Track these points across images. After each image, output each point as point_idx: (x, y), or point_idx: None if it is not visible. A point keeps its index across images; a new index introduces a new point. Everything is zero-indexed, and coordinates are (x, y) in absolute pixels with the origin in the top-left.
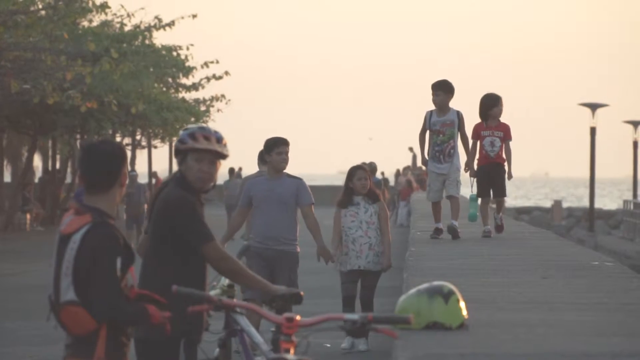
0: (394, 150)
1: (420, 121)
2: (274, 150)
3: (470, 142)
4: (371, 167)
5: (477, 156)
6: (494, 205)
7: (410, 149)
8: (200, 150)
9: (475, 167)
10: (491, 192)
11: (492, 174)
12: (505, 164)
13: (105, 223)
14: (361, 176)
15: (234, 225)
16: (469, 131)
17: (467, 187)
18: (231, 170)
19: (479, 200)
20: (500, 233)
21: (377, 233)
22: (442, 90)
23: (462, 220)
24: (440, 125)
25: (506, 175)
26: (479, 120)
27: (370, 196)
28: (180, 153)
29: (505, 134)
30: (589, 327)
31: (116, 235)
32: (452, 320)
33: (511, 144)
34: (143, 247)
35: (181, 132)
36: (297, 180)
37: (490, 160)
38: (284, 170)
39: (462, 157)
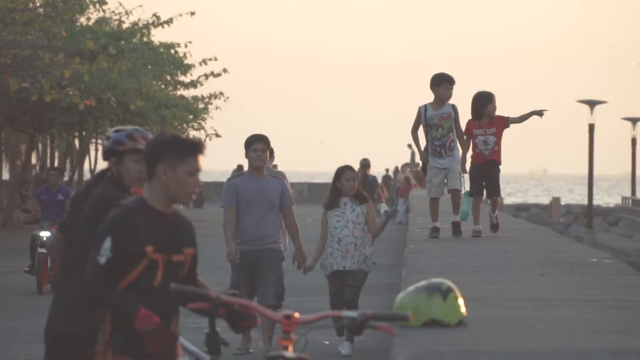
0: (392, 148)
1: (411, 118)
2: (250, 148)
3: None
4: (365, 163)
5: (470, 153)
6: (489, 201)
7: (409, 146)
8: (141, 151)
9: (469, 164)
10: (484, 191)
11: (487, 172)
12: (500, 162)
13: (120, 205)
14: (349, 177)
15: (229, 227)
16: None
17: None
18: (240, 167)
19: (472, 198)
20: (495, 232)
21: (364, 234)
22: (453, 84)
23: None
24: (438, 119)
25: (499, 177)
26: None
27: (357, 197)
28: (116, 154)
29: (498, 127)
30: (587, 324)
31: (122, 215)
32: (450, 318)
33: (508, 129)
34: (56, 245)
35: (112, 133)
36: (280, 181)
37: (484, 158)
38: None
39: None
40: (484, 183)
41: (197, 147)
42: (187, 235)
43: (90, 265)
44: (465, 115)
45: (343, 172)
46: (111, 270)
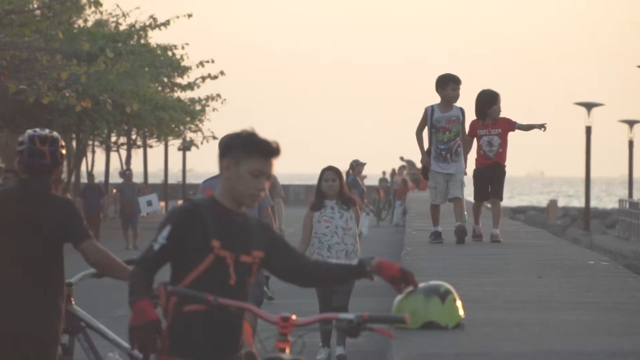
0: (389, 149)
1: (410, 118)
2: None
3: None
4: (351, 166)
5: (474, 156)
6: (489, 205)
7: (401, 159)
8: None
9: (472, 167)
10: (487, 194)
11: (491, 176)
12: (505, 163)
13: (188, 199)
14: (328, 177)
15: None
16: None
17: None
18: None
19: (474, 201)
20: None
21: (354, 240)
22: (460, 84)
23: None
24: (446, 122)
25: (503, 179)
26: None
27: (343, 201)
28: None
29: (504, 128)
30: (584, 326)
31: (189, 208)
32: (448, 320)
33: (512, 133)
34: None
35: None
36: None
37: (489, 161)
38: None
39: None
40: (488, 188)
41: (266, 148)
42: (258, 237)
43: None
44: (468, 117)
45: (323, 172)
46: (164, 260)
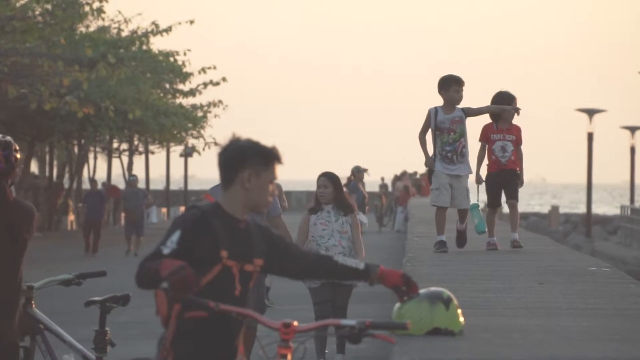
0: (388, 155)
1: (412, 123)
2: None
3: (479, 145)
4: (352, 173)
5: (486, 162)
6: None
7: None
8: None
9: (485, 173)
10: (502, 199)
11: (505, 182)
12: (518, 169)
13: (195, 206)
14: (320, 184)
15: None
16: (476, 131)
17: (472, 193)
18: None
19: (488, 209)
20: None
21: (350, 244)
22: (463, 85)
23: (469, 232)
24: (450, 123)
25: (518, 182)
26: (479, 124)
27: (340, 207)
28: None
29: (517, 136)
30: (586, 333)
31: (199, 216)
32: (454, 326)
33: (522, 148)
34: None
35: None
36: None
37: (502, 166)
38: None
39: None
40: (501, 193)
41: (278, 155)
42: (259, 244)
43: (152, 250)
44: (471, 127)
45: (317, 179)
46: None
